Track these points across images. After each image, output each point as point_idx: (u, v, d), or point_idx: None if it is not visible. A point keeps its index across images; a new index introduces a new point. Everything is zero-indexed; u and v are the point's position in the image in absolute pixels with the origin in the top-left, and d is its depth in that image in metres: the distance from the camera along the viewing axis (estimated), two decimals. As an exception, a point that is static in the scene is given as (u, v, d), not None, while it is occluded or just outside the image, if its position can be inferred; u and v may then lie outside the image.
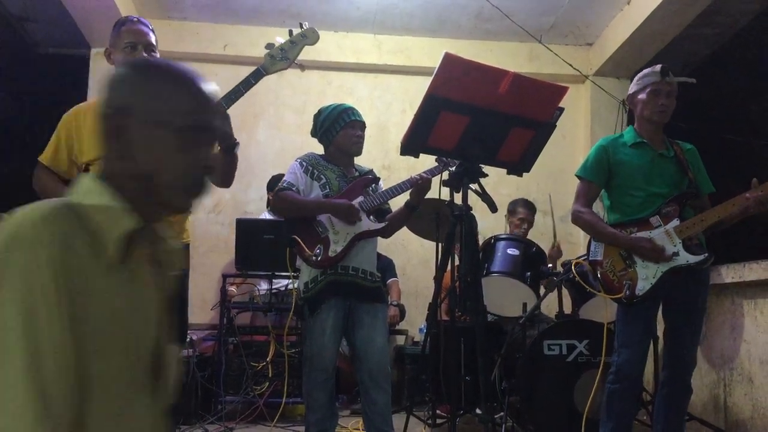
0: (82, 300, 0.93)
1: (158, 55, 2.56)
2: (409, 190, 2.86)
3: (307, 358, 2.75)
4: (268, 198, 4.71)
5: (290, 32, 2.46)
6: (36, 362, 0.87)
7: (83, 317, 0.93)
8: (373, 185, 2.93)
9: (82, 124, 2.47)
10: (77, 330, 0.92)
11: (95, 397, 0.95)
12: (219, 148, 2.46)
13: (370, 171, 3.01)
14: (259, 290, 4.32)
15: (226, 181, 2.57)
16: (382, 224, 2.85)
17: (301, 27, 2.46)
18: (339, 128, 2.85)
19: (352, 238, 2.77)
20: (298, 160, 2.90)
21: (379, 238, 2.93)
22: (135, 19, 2.53)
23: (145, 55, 2.48)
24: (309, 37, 2.46)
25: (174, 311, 1.18)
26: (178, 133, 1.04)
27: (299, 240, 2.76)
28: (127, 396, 1.01)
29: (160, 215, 1.10)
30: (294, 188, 2.81)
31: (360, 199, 2.84)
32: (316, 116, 2.92)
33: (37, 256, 0.90)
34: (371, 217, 2.85)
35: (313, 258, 2.73)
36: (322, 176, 2.84)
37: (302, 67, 2.51)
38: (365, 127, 2.93)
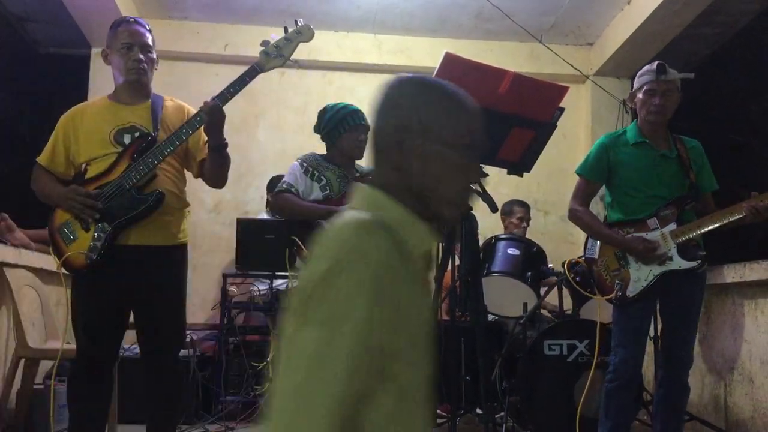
0: (397, 310, 0.97)
1: (155, 56, 2.55)
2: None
3: (308, 358, 2.74)
4: (267, 199, 4.71)
5: (285, 29, 2.46)
6: (353, 364, 0.91)
7: (398, 327, 0.97)
8: (374, 185, 2.92)
9: (79, 125, 2.47)
10: (394, 339, 0.96)
11: (400, 397, 0.99)
12: (207, 147, 2.46)
13: (371, 171, 3.00)
14: (259, 290, 4.31)
15: (217, 181, 2.57)
16: (383, 224, 2.85)
17: (296, 24, 2.46)
18: (343, 131, 2.83)
19: (353, 238, 2.76)
20: (299, 161, 2.89)
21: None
22: (131, 20, 2.52)
23: (141, 56, 2.47)
24: (304, 34, 2.46)
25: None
26: (458, 151, 1.09)
27: (299, 241, 2.76)
28: (419, 395, 1.06)
29: (429, 225, 1.14)
30: (293, 189, 2.81)
31: (360, 199, 2.83)
32: (321, 114, 2.91)
33: (366, 269, 0.94)
34: (371, 217, 2.84)
35: (314, 258, 2.73)
36: (322, 177, 2.84)
37: (297, 64, 2.51)
38: (369, 130, 2.92)
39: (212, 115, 2.34)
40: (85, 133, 2.45)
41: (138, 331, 2.49)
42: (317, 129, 2.93)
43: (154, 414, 2.48)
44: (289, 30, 2.45)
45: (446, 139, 1.08)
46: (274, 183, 4.60)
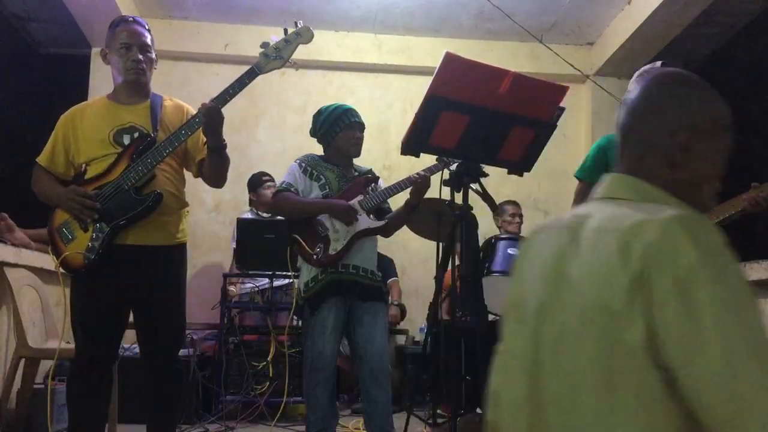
0: None
1: (154, 56, 2.54)
2: (409, 189, 2.86)
3: (308, 357, 2.75)
4: (250, 197, 4.70)
5: (285, 31, 2.45)
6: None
7: None
8: (373, 184, 2.92)
9: (78, 125, 2.47)
10: None
11: None
12: (206, 147, 2.46)
13: (370, 171, 3.01)
14: (257, 287, 4.31)
15: (217, 181, 2.57)
16: (382, 222, 2.85)
17: (296, 25, 2.46)
18: (338, 130, 2.84)
19: (352, 237, 2.77)
20: (297, 161, 2.90)
21: (379, 237, 2.93)
22: (130, 19, 2.51)
23: (139, 56, 2.47)
24: (303, 36, 2.45)
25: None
26: (725, 151, 1.12)
27: (300, 239, 2.76)
28: None
29: None
30: (293, 189, 2.81)
31: (359, 198, 2.83)
32: (316, 116, 2.92)
33: (728, 259, 0.92)
34: (371, 215, 2.84)
35: (314, 257, 2.73)
36: (321, 176, 2.84)
37: (296, 65, 2.50)
38: (364, 128, 2.93)
39: (210, 117, 2.34)
40: (85, 133, 2.44)
41: (138, 331, 2.49)
42: (313, 132, 2.94)
43: (154, 414, 2.47)
44: (289, 32, 2.45)
45: (721, 141, 1.10)
46: (253, 181, 4.61)
